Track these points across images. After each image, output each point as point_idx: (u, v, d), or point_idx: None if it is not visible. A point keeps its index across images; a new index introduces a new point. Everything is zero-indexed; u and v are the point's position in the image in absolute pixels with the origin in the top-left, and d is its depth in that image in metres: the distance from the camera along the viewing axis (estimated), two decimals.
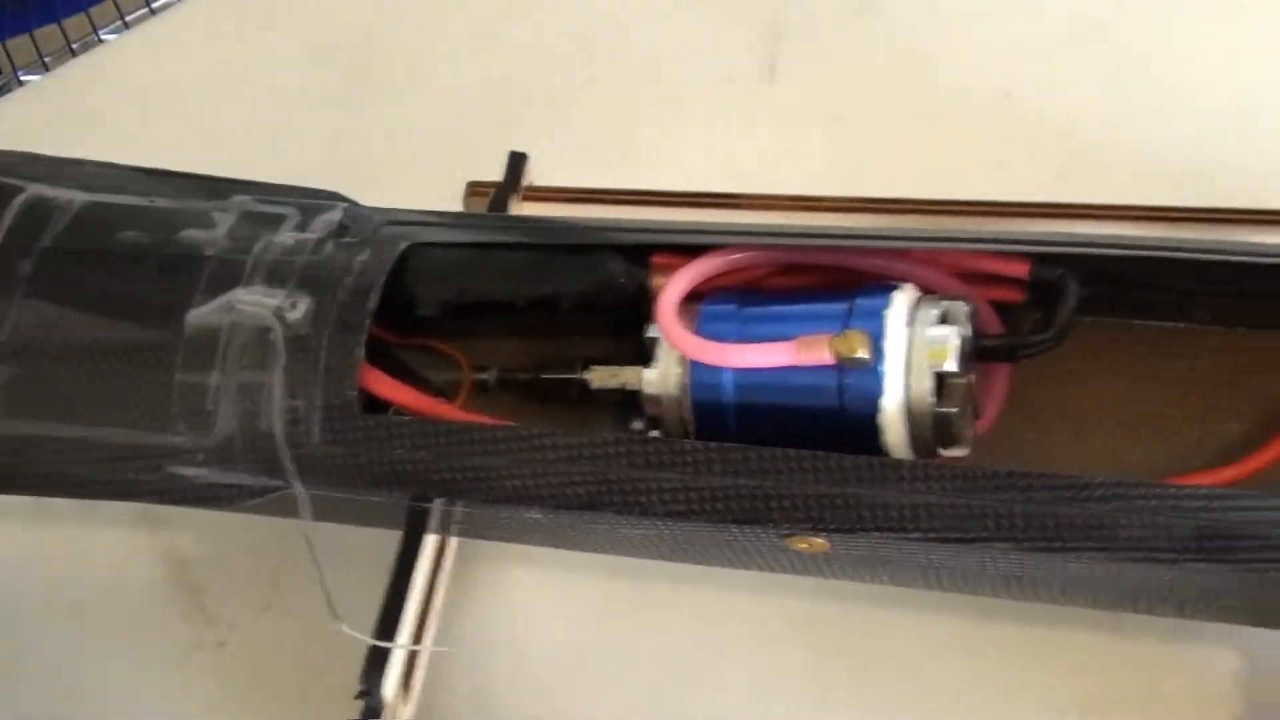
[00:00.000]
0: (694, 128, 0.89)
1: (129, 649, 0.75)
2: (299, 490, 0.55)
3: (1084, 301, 0.59)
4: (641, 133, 0.89)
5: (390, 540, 0.64)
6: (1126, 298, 0.61)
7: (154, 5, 1.04)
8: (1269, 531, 0.48)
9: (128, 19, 1.03)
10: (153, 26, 1.04)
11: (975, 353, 0.57)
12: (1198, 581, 0.51)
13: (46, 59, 1.05)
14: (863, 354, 0.52)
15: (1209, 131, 0.81)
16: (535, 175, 0.79)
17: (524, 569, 0.74)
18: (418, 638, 0.64)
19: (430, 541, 0.65)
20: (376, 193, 0.67)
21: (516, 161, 0.75)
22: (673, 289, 0.57)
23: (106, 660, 0.74)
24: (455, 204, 0.78)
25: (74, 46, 1.04)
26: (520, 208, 0.75)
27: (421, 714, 0.66)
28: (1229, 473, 0.56)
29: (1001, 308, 0.59)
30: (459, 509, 0.59)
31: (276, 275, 0.59)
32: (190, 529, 0.78)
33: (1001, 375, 0.60)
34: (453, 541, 0.70)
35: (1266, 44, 0.85)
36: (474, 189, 0.75)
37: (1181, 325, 0.61)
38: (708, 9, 0.95)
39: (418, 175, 0.85)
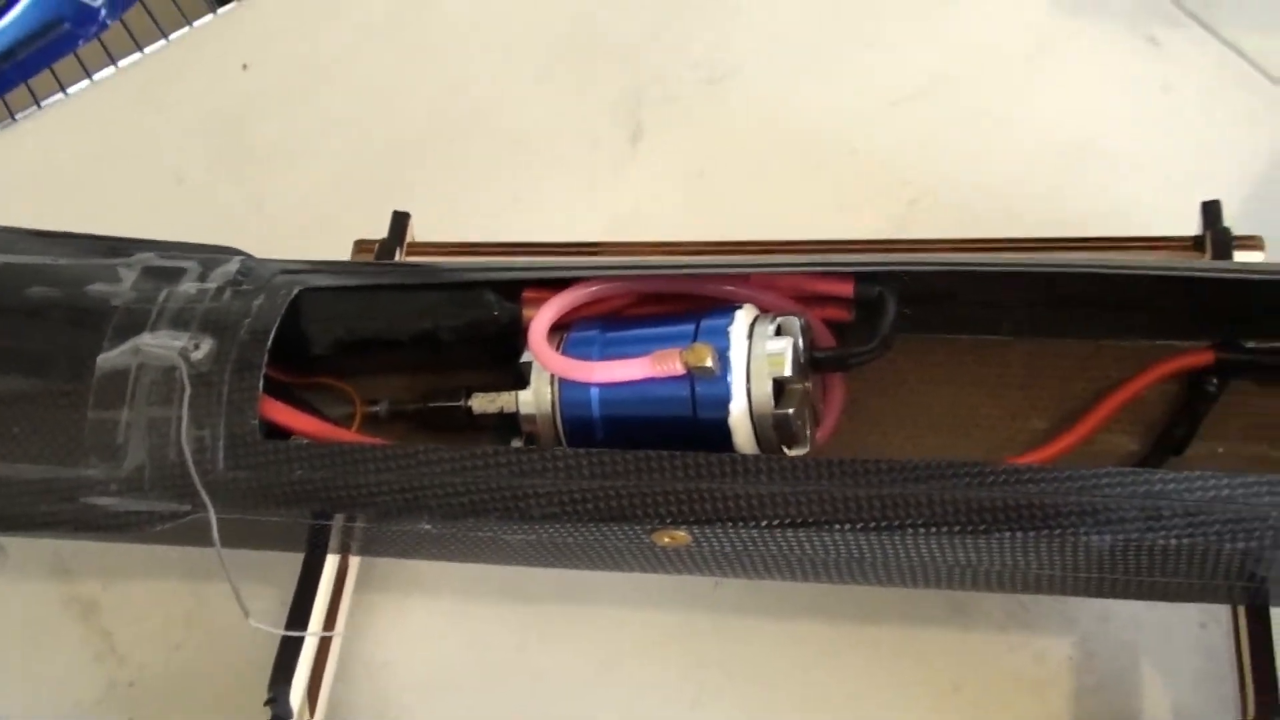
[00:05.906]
0: (566, 188, 0.96)
1: (43, 693, 0.78)
2: (209, 507, 0.60)
3: (911, 319, 0.67)
4: (518, 193, 0.96)
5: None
6: (947, 314, 0.69)
7: (42, 102, 1.09)
8: (1069, 500, 0.54)
9: (16, 116, 1.09)
10: (45, 116, 1.10)
11: (810, 364, 0.64)
12: (1013, 549, 0.58)
13: None
14: (710, 363, 0.59)
15: (1025, 174, 0.91)
16: (417, 234, 0.85)
17: (420, 594, 0.78)
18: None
19: (331, 562, 0.70)
20: (271, 255, 0.72)
21: (400, 219, 0.81)
22: (543, 317, 0.63)
23: (20, 704, 0.77)
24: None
25: None
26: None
27: None
28: (1033, 456, 0.64)
29: (835, 327, 0.67)
30: (357, 525, 0.64)
31: (180, 320, 0.65)
32: (97, 576, 0.81)
33: (839, 386, 0.67)
34: (352, 566, 0.75)
35: (1068, 97, 0.96)
36: (361, 246, 0.80)
37: (994, 337, 0.69)
38: (575, 83, 1.03)
39: (307, 238, 0.89)
